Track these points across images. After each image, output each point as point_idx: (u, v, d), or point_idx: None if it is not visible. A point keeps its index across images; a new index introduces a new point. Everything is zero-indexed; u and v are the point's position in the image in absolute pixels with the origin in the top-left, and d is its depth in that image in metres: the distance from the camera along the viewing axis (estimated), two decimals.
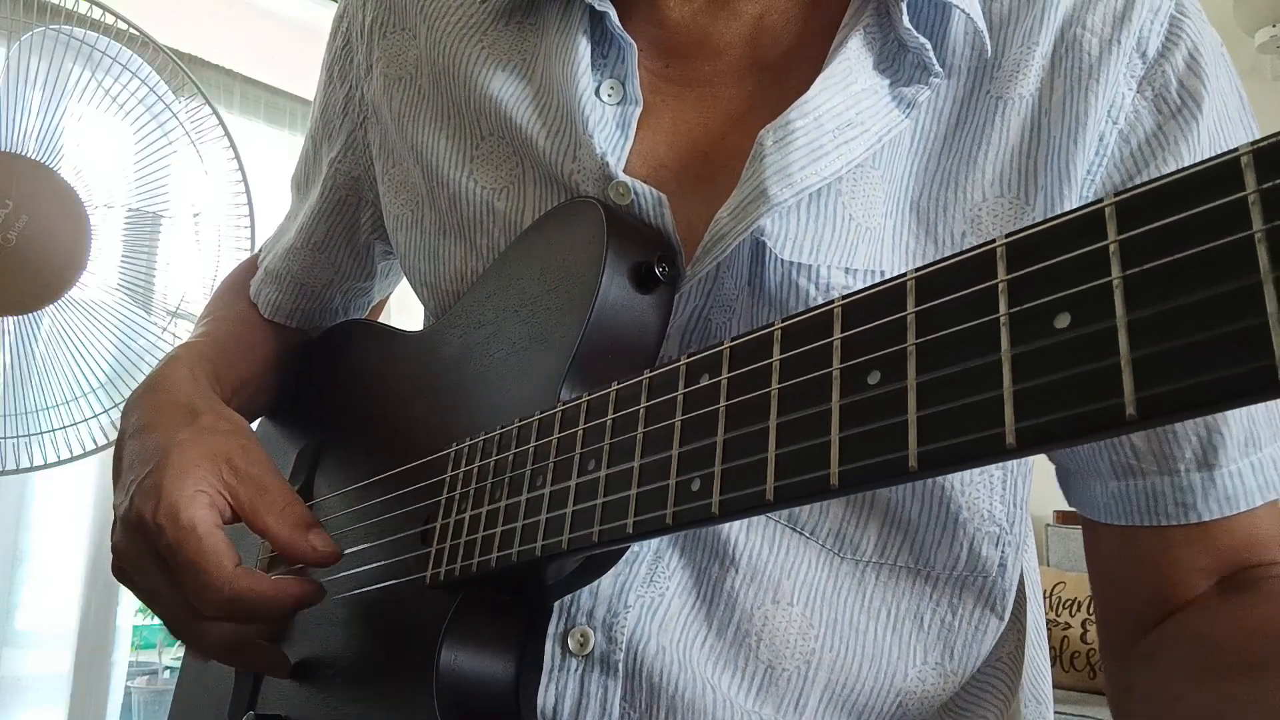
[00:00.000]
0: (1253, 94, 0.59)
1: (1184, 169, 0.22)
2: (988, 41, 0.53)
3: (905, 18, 0.50)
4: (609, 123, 0.56)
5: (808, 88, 0.51)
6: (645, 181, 0.53)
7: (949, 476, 0.51)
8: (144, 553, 0.56)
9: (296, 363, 0.81)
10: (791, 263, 0.50)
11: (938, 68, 0.52)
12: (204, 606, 0.54)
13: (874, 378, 0.29)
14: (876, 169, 0.52)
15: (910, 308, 0.28)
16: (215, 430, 0.60)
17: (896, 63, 0.52)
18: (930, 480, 0.50)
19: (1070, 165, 0.52)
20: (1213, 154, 0.23)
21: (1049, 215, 0.27)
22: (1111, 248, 0.23)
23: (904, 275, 0.28)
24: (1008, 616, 0.55)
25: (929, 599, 0.53)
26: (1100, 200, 0.24)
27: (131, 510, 0.57)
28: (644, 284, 0.50)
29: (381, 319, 1.77)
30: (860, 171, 0.51)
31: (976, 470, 0.52)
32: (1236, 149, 0.21)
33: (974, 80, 0.54)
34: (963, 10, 0.52)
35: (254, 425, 0.81)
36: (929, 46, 0.51)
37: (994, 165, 0.52)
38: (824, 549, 0.52)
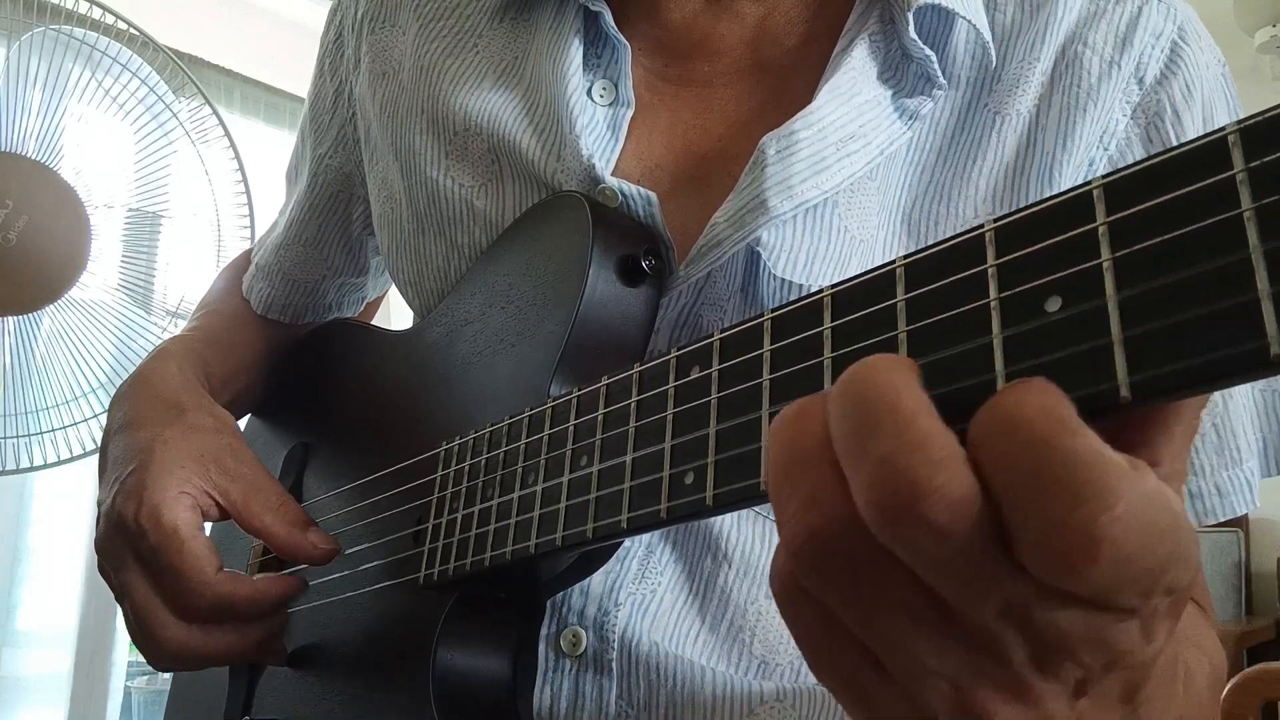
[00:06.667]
0: (1253, 94, 0.59)
1: (1171, 149, 0.22)
2: (993, 54, 0.52)
3: (911, 28, 0.50)
4: (599, 124, 0.55)
5: (809, 93, 0.50)
6: (639, 181, 0.52)
7: None
8: (124, 552, 0.56)
9: (287, 359, 0.80)
10: (785, 280, 0.49)
11: (941, 79, 0.51)
12: (185, 612, 0.54)
13: None
14: (873, 181, 0.51)
15: (900, 295, 0.27)
16: (201, 429, 0.60)
17: (900, 72, 0.52)
18: None
19: (1058, 184, 0.51)
20: None
21: None
22: (1100, 230, 0.23)
23: (893, 262, 0.28)
24: None
25: None
26: (1089, 182, 0.23)
27: (114, 509, 0.56)
28: (631, 277, 0.49)
29: (379, 319, 1.77)
30: (858, 184, 0.51)
31: None
32: (1224, 127, 0.21)
33: (973, 92, 0.53)
34: (969, 21, 0.51)
35: (242, 423, 0.80)
36: (934, 58, 0.50)
37: (987, 181, 0.52)
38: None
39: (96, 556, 0.60)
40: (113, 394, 0.67)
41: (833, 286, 0.30)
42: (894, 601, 0.25)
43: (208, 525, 0.58)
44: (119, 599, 0.58)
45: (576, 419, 0.42)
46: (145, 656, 0.57)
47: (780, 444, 0.26)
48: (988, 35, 0.52)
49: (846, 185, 0.49)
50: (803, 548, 0.25)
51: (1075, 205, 0.24)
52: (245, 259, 0.86)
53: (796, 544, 0.25)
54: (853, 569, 0.25)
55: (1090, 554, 0.21)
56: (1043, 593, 0.23)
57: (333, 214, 0.76)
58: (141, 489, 0.55)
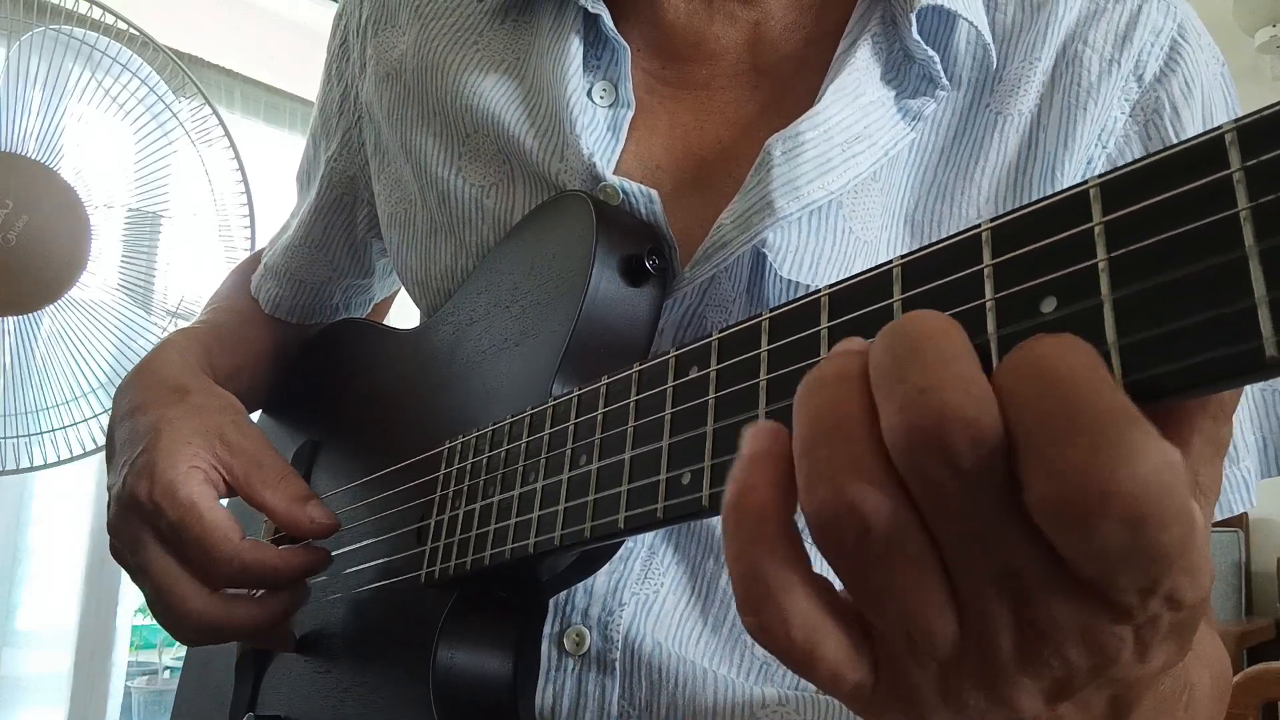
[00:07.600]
0: (1252, 94, 0.59)
1: (1168, 148, 0.22)
2: (994, 55, 0.52)
3: (914, 29, 0.49)
4: (600, 124, 0.55)
5: (809, 96, 0.50)
6: (641, 182, 0.52)
7: None
8: (140, 531, 0.56)
9: (294, 359, 0.81)
10: (791, 281, 0.49)
11: (944, 80, 0.51)
12: (214, 580, 0.55)
13: None
14: (876, 182, 0.51)
15: (897, 295, 0.27)
16: (205, 407, 0.61)
17: (902, 73, 0.52)
18: None
19: (1061, 183, 0.51)
20: None
21: None
22: (1096, 230, 0.23)
23: (890, 262, 0.28)
24: None
25: None
26: (1085, 182, 0.23)
27: (125, 490, 0.57)
28: (634, 277, 0.49)
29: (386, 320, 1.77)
30: (862, 185, 0.50)
31: None
32: (1220, 126, 0.21)
33: (974, 93, 0.53)
34: (970, 22, 0.51)
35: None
36: (937, 59, 0.50)
37: (990, 181, 0.52)
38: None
39: (109, 539, 0.60)
40: (113, 394, 0.68)
41: (830, 286, 0.30)
42: (909, 581, 0.24)
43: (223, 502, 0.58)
44: (136, 579, 0.58)
45: (576, 418, 0.42)
46: (170, 632, 0.58)
47: (827, 403, 0.25)
48: (988, 36, 0.52)
49: (851, 186, 0.49)
50: (832, 515, 0.24)
51: (1072, 204, 0.24)
52: (255, 260, 0.86)
53: (829, 513, 0.24)
54: (877, 541, 0.24)
55: (1102, 506, 0.21)
56: (1042, 565, 0.23)
57: (338, 216, 0.76)
58: (152, 468, 0.56)
